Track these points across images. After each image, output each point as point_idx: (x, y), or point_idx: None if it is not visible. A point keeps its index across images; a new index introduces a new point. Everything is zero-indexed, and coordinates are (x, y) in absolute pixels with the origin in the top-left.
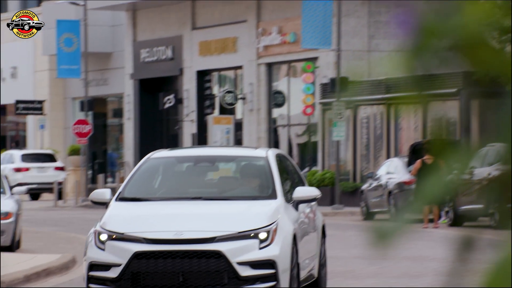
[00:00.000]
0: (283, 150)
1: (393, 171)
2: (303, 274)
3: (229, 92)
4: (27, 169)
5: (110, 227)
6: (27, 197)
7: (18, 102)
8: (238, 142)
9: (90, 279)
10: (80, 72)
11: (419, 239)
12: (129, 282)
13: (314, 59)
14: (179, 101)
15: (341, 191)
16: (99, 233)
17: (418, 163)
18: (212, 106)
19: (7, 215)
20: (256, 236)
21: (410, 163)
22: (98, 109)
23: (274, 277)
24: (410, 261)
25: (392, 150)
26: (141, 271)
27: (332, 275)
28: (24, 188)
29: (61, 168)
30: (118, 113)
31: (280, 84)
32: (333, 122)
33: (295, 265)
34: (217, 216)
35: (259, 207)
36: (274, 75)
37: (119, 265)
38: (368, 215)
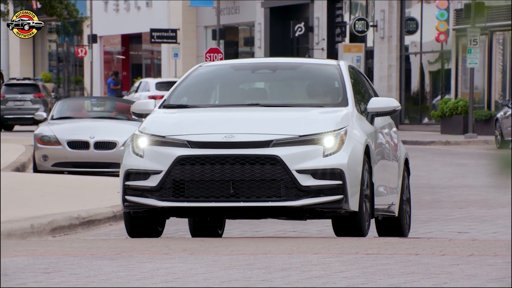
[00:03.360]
0: (414, 78)
1: None
2: (378, 202)
3: (360, 19)
4: (161, 97)
5: (150, 131)
6: None
7: (152, 30)
8: (369, 70)
9: (126, 190)
10: (213, 1)
11: None
12: (170, 191)
13: None
14: (309, 29)
15: (475, 119)
16: (137, 138)
17: None
18: (342, 34)
19: None
20: (320, 142)
21: None
22: (230, 37)
23: (341, 190)
24: None
25: None
26: (184, 179)
27: (464, 204)
28: None
29: None
30: (249, 41)
31: (413, 11)
32: (467, 49)
33: (367, 183)
34: (276, 120)
35: (326, 113)
36: (407, 1)
37: (159, 172)
38: (503, 144)
